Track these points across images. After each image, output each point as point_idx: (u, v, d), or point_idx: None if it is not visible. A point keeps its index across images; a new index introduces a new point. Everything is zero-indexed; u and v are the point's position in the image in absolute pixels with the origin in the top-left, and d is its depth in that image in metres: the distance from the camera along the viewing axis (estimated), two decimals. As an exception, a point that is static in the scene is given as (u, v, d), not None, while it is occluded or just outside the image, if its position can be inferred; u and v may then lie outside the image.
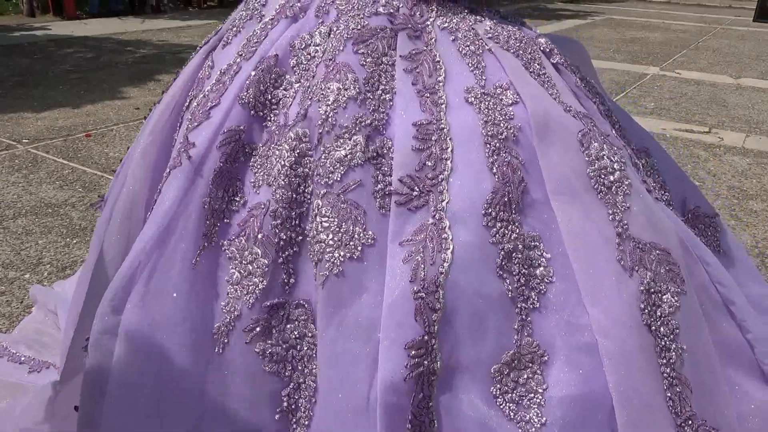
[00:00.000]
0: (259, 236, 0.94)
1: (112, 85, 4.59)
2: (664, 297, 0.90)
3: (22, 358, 1.54)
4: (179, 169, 0.98)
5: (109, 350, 0.93)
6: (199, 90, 1.10)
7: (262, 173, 0.98)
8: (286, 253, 0.94)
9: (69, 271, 2.06)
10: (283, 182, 0.94)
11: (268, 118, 1.02)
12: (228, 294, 0.95)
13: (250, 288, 0.93)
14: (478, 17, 1.10)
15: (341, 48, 1.00)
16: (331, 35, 1.03)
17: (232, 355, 0.94)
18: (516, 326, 0.88)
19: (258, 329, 0.93)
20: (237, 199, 0.99)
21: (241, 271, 0.95)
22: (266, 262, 0.93)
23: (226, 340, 0.94)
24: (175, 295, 0.94)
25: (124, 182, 1.11)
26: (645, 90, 4.84)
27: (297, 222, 0.94)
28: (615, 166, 0.94)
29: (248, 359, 0.93)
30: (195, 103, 1.07)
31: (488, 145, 0.93)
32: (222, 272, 0.96)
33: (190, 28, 7.56)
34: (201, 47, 1.22)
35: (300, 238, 0.95)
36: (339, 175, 0.91)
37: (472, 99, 0.97)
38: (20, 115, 3.78)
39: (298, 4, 1.10)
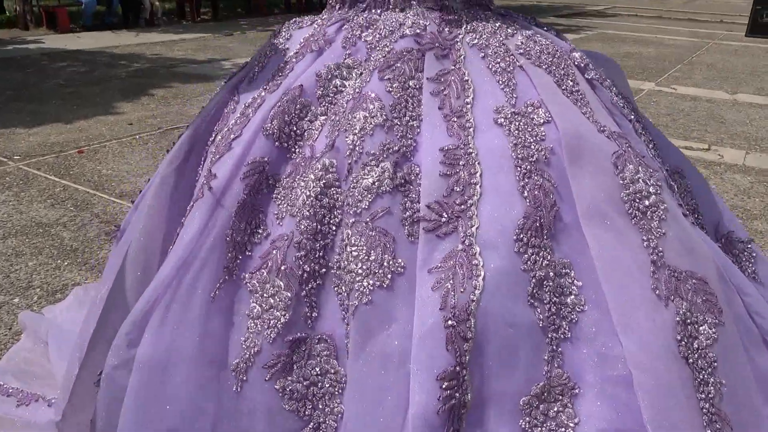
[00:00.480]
0: (282, 268, 0.92)
1: (105, 99, 4.53)
2: (701, 328, 0.87)
3: (10, 390, 1.47)
4: (201, 200, 0.98)
5: (122, 386, 0.92)
6: (224, 124, 1.10)
7: (285, 205, 0.97)
8: (310, 285, 0.92)
9: (60, 295, 1.99)
10: (307, 213, 0.92)
11: (293, 149, 1.01)
12: (248, 329, 0.93)
13: (272, 322, 0.91)
14: (509, 30, 1.08)
15: (368, 79, 1.00)
16: (362, 73, 1.03)
17: (250, 393, 0.91)
18: (546, 357, 0.85)
19: (279, 365, 0.91)
20: (259, 231, 0.98)
21: (263, 305, 0.92)
22: (289, 294, 0.91)
23: (244, 377, 0.91)
24: (192, 328, 0.93)
25: (142, 214, 1.11)
26: (641, 106, 4.83)
27: (321, 254, 0.92)
28: (650, 190, 0.91)
29: (267, 397, 0.91)
30: (219, 137, 1.07)
31: (519, 168, 0.91)
32: (242, 306, 0.95)
33: (184, 42, 7.53)
34: (226, 82, 1.22)
35: (324, 270, 0.93)
36: (367, 203, 0.90)
37: (502, 120, 0.95)
38: (12, 131, 3.71)
39: (323, 38, 1.10)
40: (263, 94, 1.07)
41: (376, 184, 0.90)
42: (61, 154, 3.35)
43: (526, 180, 0.90)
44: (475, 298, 0.82)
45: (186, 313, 0.93)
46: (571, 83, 1.02)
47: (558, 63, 1.04)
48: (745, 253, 1.18)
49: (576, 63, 1.08)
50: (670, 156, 1.13)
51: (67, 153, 3.38)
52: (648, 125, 1.13)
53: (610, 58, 1.16)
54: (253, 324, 0.93)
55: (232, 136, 1.02)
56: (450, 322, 0.81)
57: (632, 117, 1.09)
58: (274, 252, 0.94)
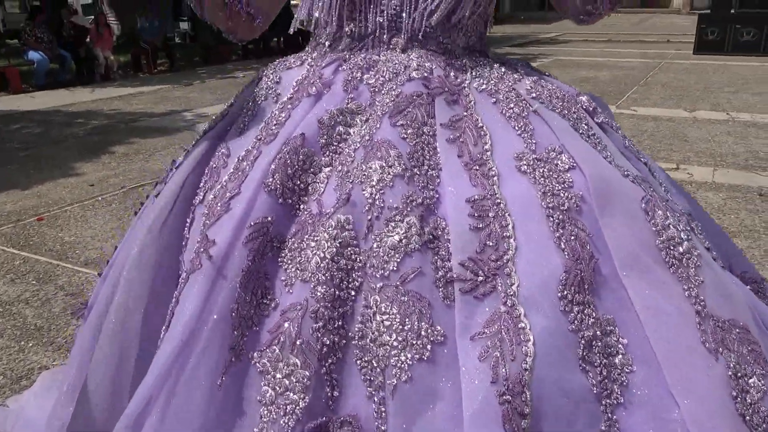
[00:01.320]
0: (298, 342, 0.81)
1: (63, 161, 4.38)
2: (750, 381, 0.81)
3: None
4: (199, 272, 0.87)
5: None
6: (215, 181, 0.99)
7: (294, 269, 0.87)
8: (330, 360, 0.81)
9: (25, 381, 1.84)
10: (323, 277, 0.82)
11: (297, 206, 0.92)
12: (261, 417, 0.82)
13: (288, 408, 0.80)
14: (515, 75, 1.03)
15: (378, 126, 0.92)
16: (368, 119, 0.95)
17: None
18: (603, 427, 0.78)
19: None
20: (266, 301, 0.87)
21: (276, 388, 0.81)
22: (307, 373, 0.80)
23: None
24: (197, 423, 0.83)
25: (116, 286, 1.00)
26: (606, 129, 4.88)
27: (341, 323, 0.82)
28: (682, 236, 0.86)
29: None
30: (211, 196, 0.96)
31: (551, 219, 0.84)
32: (252, 391, 0.84)
33: (142, 95, 7.42)
34: (206, 132, 1.11)
35: (344, 342, 0.82)
36: (395, 264, 0.81)
37: (525, 167, 0.89)
38: (-36, 202, 3.54)
39: (320, 80, 1.01)
40: (258, 145, 0.97)
41: (404, 241, 0.81)
42: (19, 223, 3.19)
43: (561, 231, 0.83)
44: (527, 367, 0.75)
45: (189, 406, 0.83)
46: (586, 127, 0.97)
47: (569, 107, 0.99)
48: (760, 294, 1.13)
49: (584, 107, 1.03)
50: (680, 197, 1.08)
51: (25, 222, 3.22)
52: (654, 167, 1.08)
53: (597, 96, 1.12)
54: (266, 411, 0.82)
55: (228, 195, 0.92)
56: (505, 397, 0.73)
57: (644, 160, 1.05)
58: (287, 325, 0.83)
